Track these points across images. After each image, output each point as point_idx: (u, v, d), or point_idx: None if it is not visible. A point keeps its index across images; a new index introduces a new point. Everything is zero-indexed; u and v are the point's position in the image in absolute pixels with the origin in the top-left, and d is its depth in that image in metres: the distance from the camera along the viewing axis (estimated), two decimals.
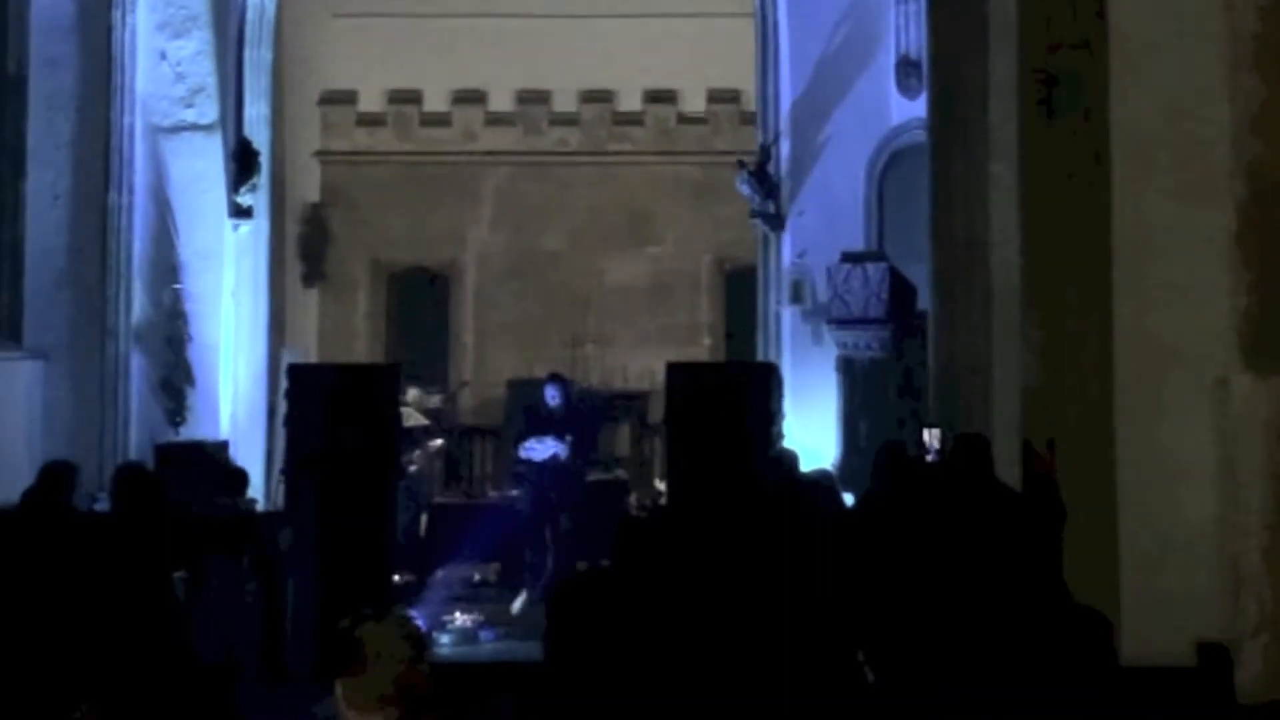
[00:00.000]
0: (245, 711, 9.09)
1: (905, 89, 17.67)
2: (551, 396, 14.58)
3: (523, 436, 14.74)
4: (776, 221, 18.57)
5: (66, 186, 16.08)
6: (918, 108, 16.10)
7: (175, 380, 16.68)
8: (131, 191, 16.62)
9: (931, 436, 12.68)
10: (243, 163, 17.65)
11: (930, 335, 13.89)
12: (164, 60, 16.99)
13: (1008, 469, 9.56)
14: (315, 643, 10.73)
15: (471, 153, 25.12)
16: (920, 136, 15.36)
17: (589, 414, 14.57)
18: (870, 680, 7.11)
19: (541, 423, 14.59)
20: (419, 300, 24.93)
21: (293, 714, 9.42)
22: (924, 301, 14.94)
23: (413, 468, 16.90)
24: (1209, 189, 8.01)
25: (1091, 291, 8.33)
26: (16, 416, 14.98)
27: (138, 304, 16.58)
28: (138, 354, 16.54)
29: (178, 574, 9.29)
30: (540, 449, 14.46)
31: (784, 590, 7.12)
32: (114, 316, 16.21)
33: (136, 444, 15.95)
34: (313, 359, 21.23)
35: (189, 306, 16.90)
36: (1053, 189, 8.96)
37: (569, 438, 14.33)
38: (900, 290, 16.51)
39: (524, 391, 21.08)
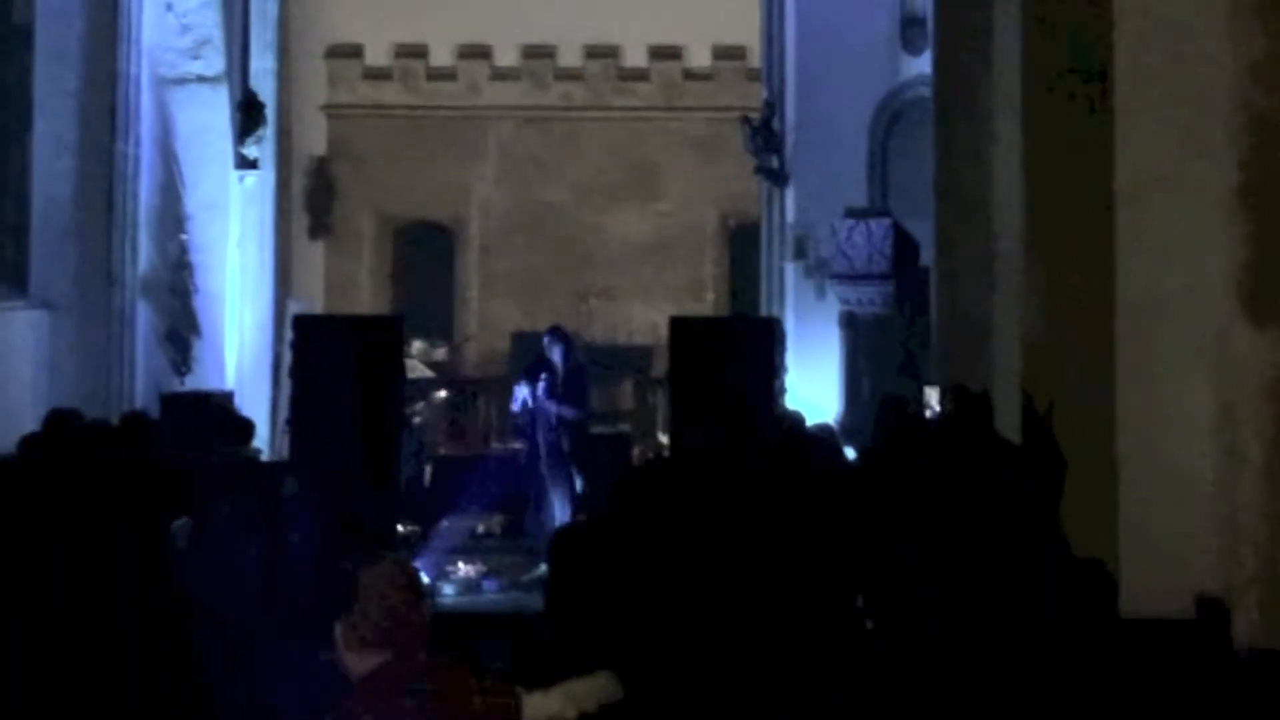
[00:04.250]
0: (247, 659, 9.14)
1: (910, 45, 17.63)
2: (549, 348, 14.53)
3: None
4: (780, 177, 18.58)
5: (72, 137, 16.05)
6: (922, 64, 16.08)
7: (181, 330, 16.72)
8: (138, 143, 16.62)
9: (931, 392, 12.72)
10: (248, 115, 17.66)
11: (932, 291, 13.93)
12: (170, 12, 16.98)
13: (1009, 423, 9.61)
14: (317, 591, 10.79)
15: (477, 107, 25.16)
16: (925, 93, 15.37)
17: (576, 366, 14.49)
18: (869, 628, 7.18)
19: (533, 373, 14.56)
20: (424, 254, 24.99)
21: (294, 661, 9.47)
22: (927, 258, 14.96)
23: (417, 419, 16.98)
24: (1210, 142, 8.03)
25: (1092, 245, 8.35)
26: (23, 367, 15.00)
27: (144, 254, 16.60)
28: (143, 304, 16.57)
29: (180, 522, 9.33)
30: (516, 395, 14.52)
31: (783, 539, 7.17)
32: (120, 267, 16.22)
33: (142, 394, 15.99)
34: (319, 311, 21.27)
35: (194, 257, 16.93)
36: (1055, 144, 8.98)
37: (543, 381, 14.22)
38: (903, 246, 16.53)
39: (528, 344, 21.14)
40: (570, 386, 14.22)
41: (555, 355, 14.30)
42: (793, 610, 6.91)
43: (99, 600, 7.63)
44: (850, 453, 11.34)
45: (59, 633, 7.46)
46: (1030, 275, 9.54)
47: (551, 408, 14.11)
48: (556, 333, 14.74)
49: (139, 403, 15.38)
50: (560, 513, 14.08)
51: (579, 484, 14.16)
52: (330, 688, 4.52)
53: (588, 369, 15.19)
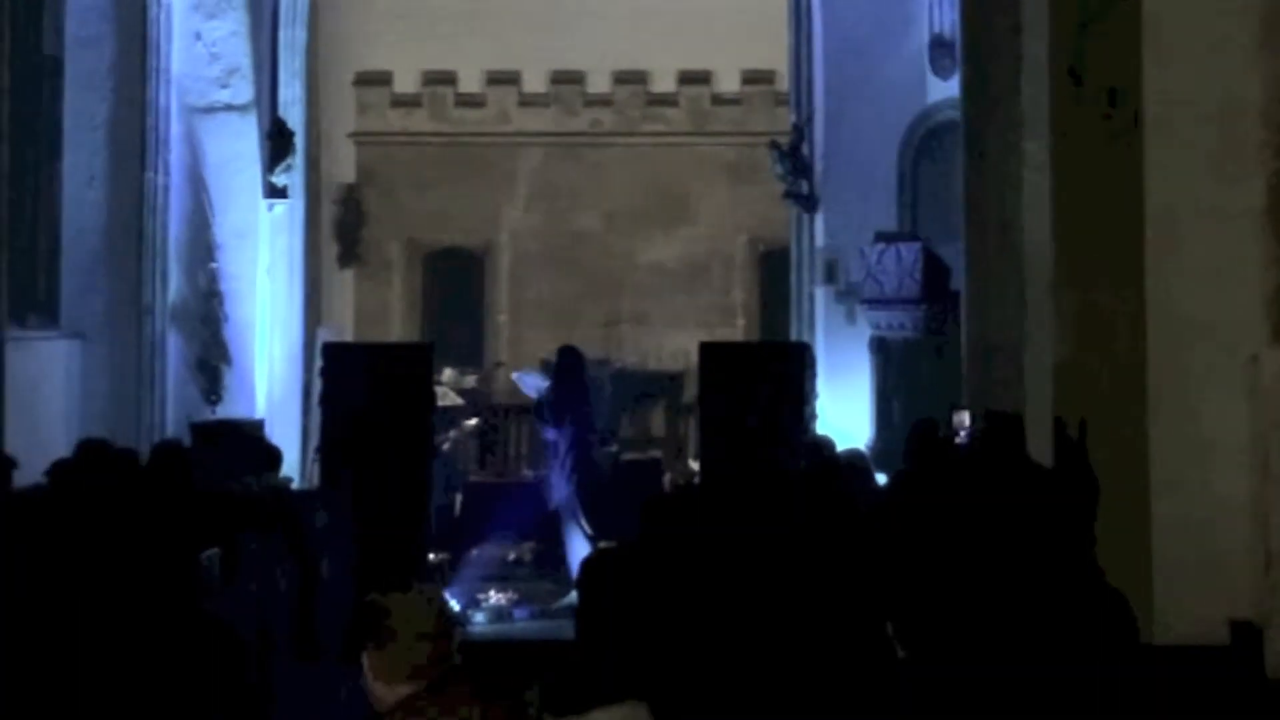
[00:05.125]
0: (278, 689, 9.13)
1: (939, 69, 17.62)
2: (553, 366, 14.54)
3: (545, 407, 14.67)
4: (809, 202, 18.57)
5: (102, 167, 16.15)
6: (951, 88, 16.06)
7: (211, 359, 16.78)
8: (167, 172, 16.69)
9: (962, 417, 12.67)
10: (277, 143, 17.73)
11: (963, 315, 13.88)
12: (199, 41, 17.06)
13: (1040, 448, 9.56)
14: (347, 620, 10.77)
15: (506, 133, 25.20)
16: (954, 116, 15.34)
17: (563, 388, 14.38)
18: (900, 655, 7.14)
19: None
20: (454, 281, 25.02)
21: (325, 691, 9.47)
22: (957, 281, 14.92)
23: (447, 446, 16.99)
24: (1240, 164, 7.99)
25: (1123, 268, 8.32)
26: (54, 396, 15.06)
27: (174, 284, 16.68)
28: (174, 333, 16.63)
29: (210, 552, 9.33)
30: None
31: (813, 566, 7.14)
32: (150, 296, 16.29)
33: (173, 422, 16.04)
34: (349, 339, 21.31)
35: (225, 286, 16.99)
36: (1084, 167, 8.95)
37: (548, 387, 14.24)
38: (934, 270, 16.49)
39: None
40: (552, 406, 14.19)
41: (550, 376, 14.32)
42: (823, 637, 6.88)
43: (128, 629, 7.62)
44: (881, 478, 11.29)
45: (86, 661, 7.45)
46: (1060, 298, 9.51)
47: (543, 429, 14.21)
48: (559, 351, 14.77)
49: (169, 431, 15.44)
50: (568, 539, 14.06)
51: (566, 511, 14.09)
52: (360, 717, 4.52)
53: (584, 390, 14.93)
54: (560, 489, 14.14)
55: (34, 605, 7.57)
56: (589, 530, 13.93)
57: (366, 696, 4.54)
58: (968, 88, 13.55)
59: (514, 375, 14.85)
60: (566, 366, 14.49)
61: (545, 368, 19.07)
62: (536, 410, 14.47)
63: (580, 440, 14.22)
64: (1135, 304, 8.18)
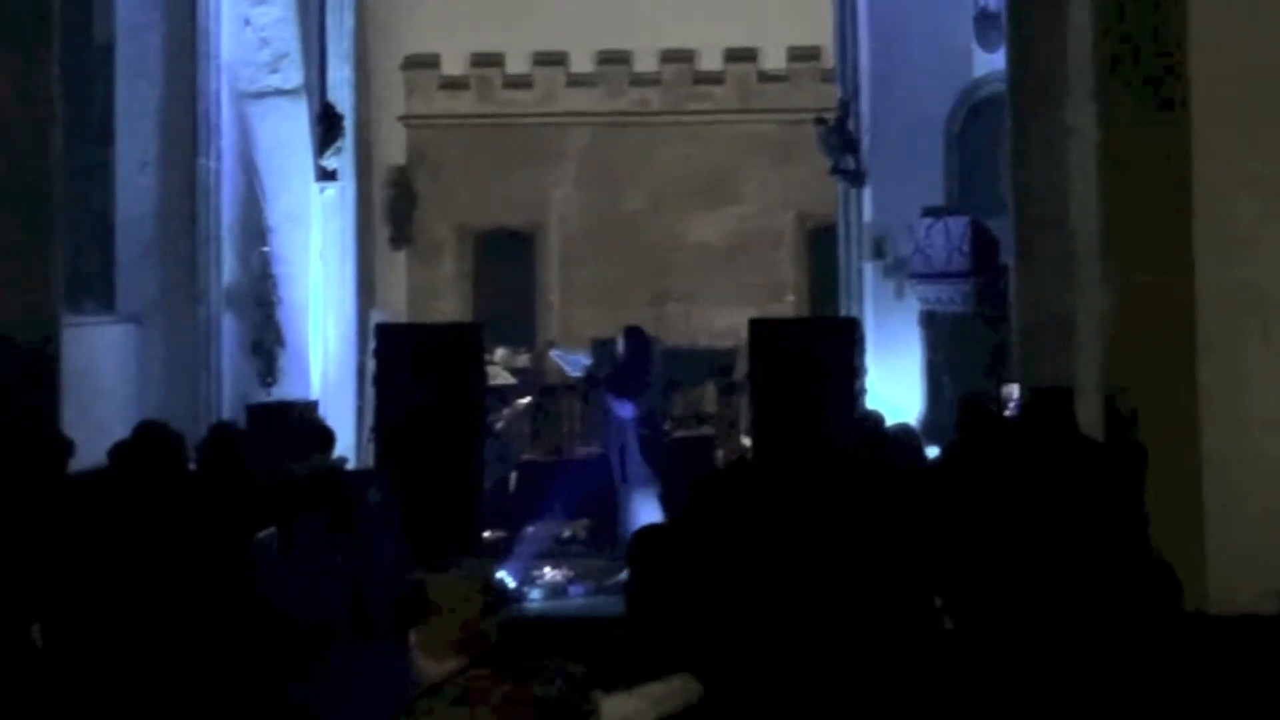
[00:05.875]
0: (334, 668, 9.23)
1: (985, 41, 17.55)
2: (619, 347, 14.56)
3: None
4: (857, 177, 18.57)
5: (154, 153, 16.25)
6: (997, 60, 16.00)
7: (266, 342, 16.89)
8: (219, 157, 16.79)
9: (1010, 390, 12.68)
10: (327, 127, 17.83)
11: (1012, 288, 13.87)
12: (248, 26, 17.15)
13: (1091, 420, 9.56)
14: (396, 598, 10.85)
15: (553, 114, 25.26)
16: (1000, 89, 15.30)
17: (634, 364, 14.44)
18: (948, 627, 7.18)
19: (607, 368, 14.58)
20: (504, 261, 25.11)
21: (380, 669, 9.56)
22: (1006, 254, 14.90)
23: (500, 425, 17.07)
24: None
25: (1172, 240, 8.33)
26: (111, 381, 15.18)
27: (227, 267, 16.78)
28: (229, 317, 16.74)
29: (268, 532, 9.43)
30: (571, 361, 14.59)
31: (863, 539, 7.18)
32: (205, 280, 16.41)
33: (229, 405, 16.16)
34: (402, 320, 21.43)
35: (278, 269, 17.10)
36: (1131, 138, 8.94)
37: (586, 359, 14.30)
38: (983, 243, 16.47)
39: (609, 349, 21.17)
40: (624, 382, 14.21)
41: (618, 351, 14.32)
42: (872, 610, 6.92)
43: (186, 608, 7.73)
44: (932, 452, 11.31)
45: (146, 641, 7.56)
46: (1109, 271, 9.51)
47: (610, 403, 14.19)
48: (626, 330, 14.83)
49: (225, 413, 15.55)
50: (627, 513, 14.11)
51: (640, 484, 14.10)
52: (405, 694, 4.57)
53: (651, 368, 15.05)
54: (632, 464, 14.19)
55: (94, 586, 7.68)
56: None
57: (413, 672, 4.58)
58: (1014, 60, 13.53)
59: (552, 353, 14.89)
60: (637, 345, 14.55)
61: (595, 347, 19.15)
62: (607, 383, 14.44)
63: (650, 416, 14.41)
64: (1184, 276, 8.19)
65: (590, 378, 14.86)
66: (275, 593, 8.96)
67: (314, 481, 10.82)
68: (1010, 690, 6.58)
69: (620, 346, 14.45)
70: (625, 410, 14.27)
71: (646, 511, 13.96)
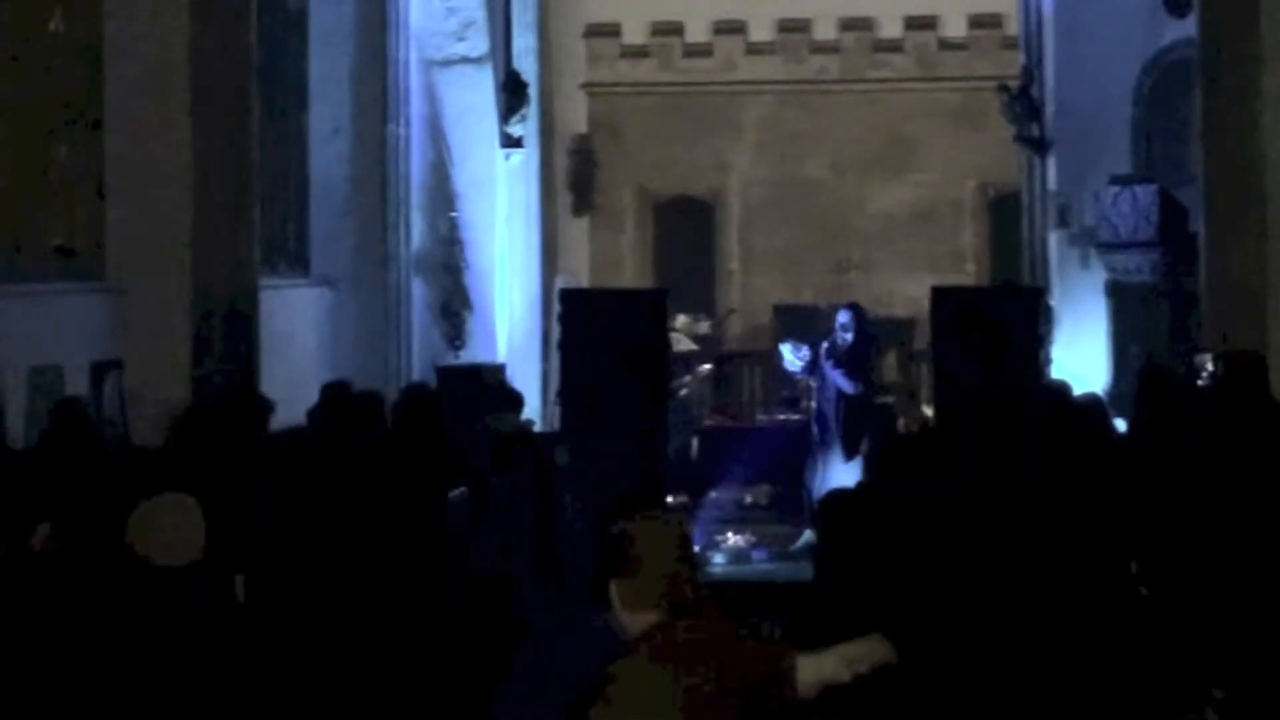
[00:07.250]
0: (524, 623, 9.38)
1: (1173, 6, 17.27)
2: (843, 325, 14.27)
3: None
4: (1041, 145, 18.40)
5: (346, 119, 16.57)
6: (1187, 26, 15.77)
7: (453, 305, 17.17)
8: (408, 124, 17.09)
9: (1204, 359, 12.53)
10: (512, 94, 18.06)
11: (1202, 257, 13.70)
12: None
13: None
14: (590, 557, 11.04)
15: (733, 82, 25.30)
16: (1189, 55, 15.09)
17: (862, 339, 14.18)
18: (1144, 595, 7.17)
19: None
20: (685, 228, 25.22)
21: (569, 624, 9.71)
22: (1195, 224, 14.72)
23: (683, 391, 17.21)
24: None
25: None
26: (307, 341, 15.53)
27: (416, 232, 17.07)
28: (418, 280, 17.05)
29: (459, 490, 9.63)
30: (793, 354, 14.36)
31: (1055, 504, 7.19)
32: (395, 244, 16.72)
33: (419, 367, 16.47)
34: (585, 286, 21.62)
35: (464, 234, 17.38)
36: None
37: (825, 346, 14.01)
38: (1170, 212, 16.24)
39: (789, 317, 21.23)
40: (853, 359, 13.97)
41: (842, 325, 14.03)
42: (1066, 575, 6.92)
43: (384, 564, 7.91)
44: (1120, 424, 11.24)
45: (346, 595, 7.74)
46: None
47: (835, 377, 13.86)
48: (848, 305, 14.57)
49: (415, 375, 15.85)
50: (824, 484, 14.03)
51: (846, 458, 13.94)
52: (605, 650, 4.58)
53: (875, 344, 14.93)
54: (834, 433, 13.95)
55: (296, 541, 7.91)
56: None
57: (614, 631, 4.57)
58: (1204, 25, 13.36)
59: (782, 347, 14.67)
60: (861, 322, 14.28)
61: (778, 314, 19.18)
62: (839, 363, 14.14)
63: (870, 388, 14.32)
64: None
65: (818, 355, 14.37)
66: (469, 550, 9.14)
67: (505, 442, 11.00)
68: (1206, 658, 6.58)
69: (843, 318, 14.10)
70: (850, 386, 13.98)
71: (846, 476, 13.89)
